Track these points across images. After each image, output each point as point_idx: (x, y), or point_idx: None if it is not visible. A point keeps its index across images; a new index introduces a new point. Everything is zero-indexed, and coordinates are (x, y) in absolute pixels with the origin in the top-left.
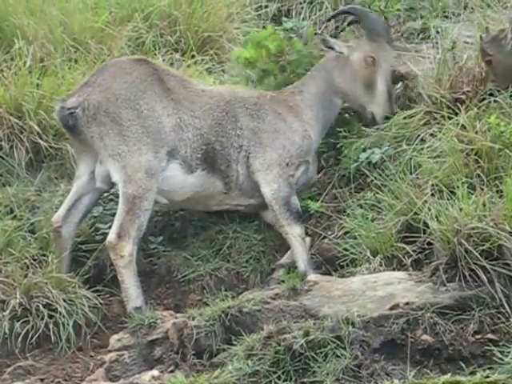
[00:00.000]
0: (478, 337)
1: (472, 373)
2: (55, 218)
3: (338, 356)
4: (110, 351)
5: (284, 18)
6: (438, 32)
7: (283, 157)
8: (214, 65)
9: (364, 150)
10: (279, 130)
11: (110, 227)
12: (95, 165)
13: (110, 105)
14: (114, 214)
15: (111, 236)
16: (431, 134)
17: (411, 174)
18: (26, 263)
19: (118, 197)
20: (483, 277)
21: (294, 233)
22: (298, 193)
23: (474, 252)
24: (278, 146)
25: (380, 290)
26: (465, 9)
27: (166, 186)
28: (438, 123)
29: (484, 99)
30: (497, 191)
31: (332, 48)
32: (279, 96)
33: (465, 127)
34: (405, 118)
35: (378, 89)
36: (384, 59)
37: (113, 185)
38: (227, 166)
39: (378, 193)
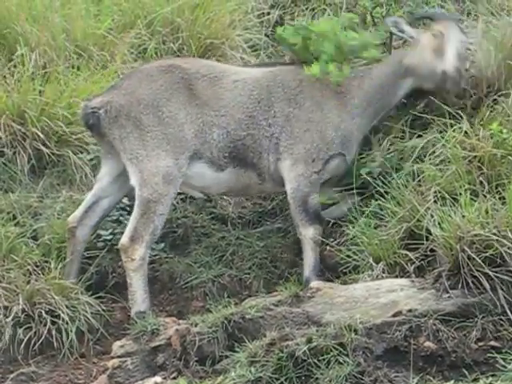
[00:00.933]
0: (480, 344)
1: (475, 380)
2: (71, 218)
3: (340, 363)
4: (112, 358)
5: (286, 25)
6: None
7: (310, 152)
8: None
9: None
10: (313, 119)
11: (111, 234)
12: (119, 169)
13: (133, 109)
14: (115, 221)
15: (124, 239)
16: (434, 141)
17: (414, 181)
18: (28, 270)
19: (119, 203)
20: (486, 284)
21: (306, 234)
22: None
23: (477, 259)
24: (307, 139)
25: (383, 296)
26: (468, 16)
27: (199, 182)
28: (440, 130)
29: (488, 106)
30: (499, 198)
31: (403, 32)
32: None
33: (467, 134)
34: (407, 125)
35: (448, 51)
36: (452, 33)
37: None
38: (259, 157)
39: (380, 200)
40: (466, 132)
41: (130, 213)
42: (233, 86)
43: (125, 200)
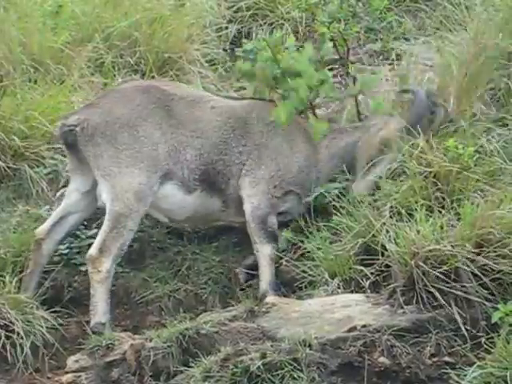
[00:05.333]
0: (434, 359)
1: None
2: (39, 230)
3: (294, 378)
4: (67, 372)
5: (244, 40)
6: (398, 55)
7: (274, 179)
8: None
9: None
10: (282, 152)
11: (68, 248)
12: (88, 186)
13: (108, 128)
14: (72, 235)
15: (93, 250)
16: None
17: (370, 196)
18: None
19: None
20: (440, 299)
21: (263, 251)
22: None
23: (432, 274)
24: (273, 167)
25: (337, 312)
26: (424, 31)
27: (166, 204)
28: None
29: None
30: (455, 214)
31: None
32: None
33: (423, 150)
34: None
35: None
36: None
37: None
38: (227, 183)
39: (336, 215)
40: (421, 147)
41: (87, 227)
42: (210, 111)
43: None
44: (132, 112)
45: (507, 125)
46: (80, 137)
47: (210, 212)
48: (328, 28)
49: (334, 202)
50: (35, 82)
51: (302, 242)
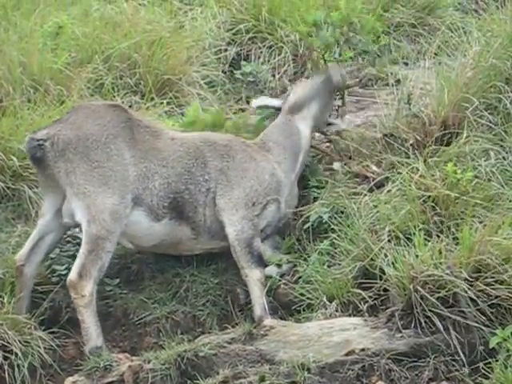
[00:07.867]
0: None
1: None
2: (18, 257)
3: None
4: None
5: (243, 62)
6: (398, 80)
7: (250, 196)
8: (172, 108)
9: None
10: (248, 168)
11: (66, 269)
12: (60, 203)
13: (81, 143)
14: (70, 256)
15: (72, 275)
16: (387, 178)
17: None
18: None
19: (75, 238)
20: (438, 324)
21: (253, 276)
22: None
23: (430, 299)
24: (245, 184)
25: (336, 335)
26: (423, 55)
27: (132, 231)
28: (393, 168)
29: (442, 145)
30: (453, 238)
31: (271, 103)
32: (250, 141)
33: (422, 174)
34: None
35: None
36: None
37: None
38: (194, 212)
39: (335, 238)
40: (418, 170)
41: None
42: (171, 143)
43: (80, 235)
44: (104, 128)
45: (505, 148)
46: (50, 152)
47: (178, 240)
48: (323, 56)
49: (332, 226)
50: (35, 102)
51: (300, 264)
